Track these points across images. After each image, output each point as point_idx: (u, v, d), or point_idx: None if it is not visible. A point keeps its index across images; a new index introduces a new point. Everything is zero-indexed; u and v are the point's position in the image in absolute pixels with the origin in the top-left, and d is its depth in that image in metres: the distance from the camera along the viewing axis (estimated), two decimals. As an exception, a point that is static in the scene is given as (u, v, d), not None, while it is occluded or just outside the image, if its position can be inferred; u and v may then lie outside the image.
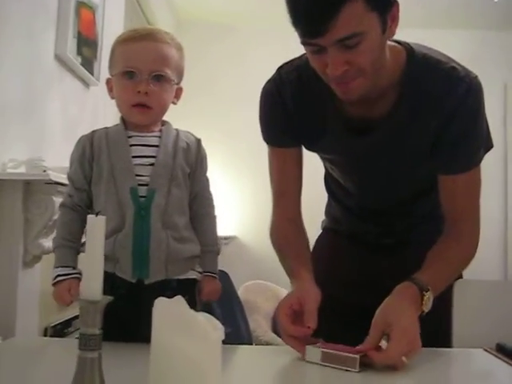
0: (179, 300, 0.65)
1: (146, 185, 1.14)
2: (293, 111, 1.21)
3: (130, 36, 1.18)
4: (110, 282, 1.05)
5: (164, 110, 1.21)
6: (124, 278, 1.12)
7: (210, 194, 1.26)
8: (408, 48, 1.14)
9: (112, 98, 1.22)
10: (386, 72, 1.10)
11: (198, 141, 1.25)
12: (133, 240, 1.12)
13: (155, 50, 1.16)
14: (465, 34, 4.61)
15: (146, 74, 1.15)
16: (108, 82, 1.23)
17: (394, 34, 1.07)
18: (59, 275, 1.12)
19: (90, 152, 1.17)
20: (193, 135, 1.26)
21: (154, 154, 1.17)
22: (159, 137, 1.19)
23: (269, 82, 1.25)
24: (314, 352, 1.00)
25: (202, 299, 1.20)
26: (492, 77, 4.00)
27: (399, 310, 1.02)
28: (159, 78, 1.16)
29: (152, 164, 1.16)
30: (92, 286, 0.74)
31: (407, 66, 1.13)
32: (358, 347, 0.99)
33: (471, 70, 1.15)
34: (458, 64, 1.14)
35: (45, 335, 1.98)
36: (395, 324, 0.99)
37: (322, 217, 1.54)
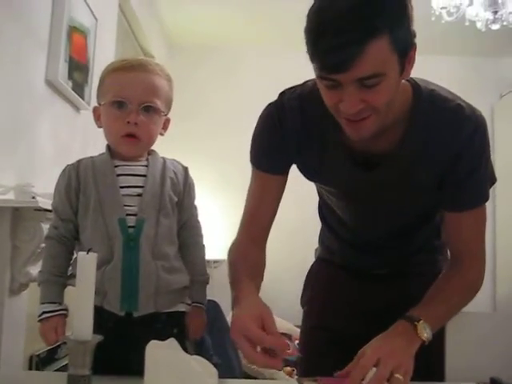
0: (172, 344, 0.63)
1: (134, 215, 1.13)
2: (292, 140, 1.20)
3: (121, 66, 1.17)
4: (98, 315, 1.04)
5: (152, 141, 1.20)
6: (112, 312, 1.10)
7: (198, 223, 1.25)
8: (413, 84, 1.14)
9: (99, 126, 1.21)
10: (394, 108, 1.09)
11: (185, 169, 1.25)
12: (121, 272, 1.10)
13: (146, 80, 1.16)
14: (453, 60, 4.70)
15: (135, 104, 1.14)
16: (95, 110, 1.21)
17: (408, 76, 1.07)
18: (45, 312, 1.10)
19: (77, 182, 1.16)
20: (180, 163, 1.25)
21: (141, 184, 1.16)
22: (146, 166, 1.18)
23: (270, 105, 1.23)
24: None
25: (190, 337, 1.18)
26: (479, 100, 4.06)
27: (383, 340, 1.03)
28: (149, 109, 1.16)
29: (140, 194, 1.15)
30: (82, 325, 0.73)
31: (413, 103, 1.12)
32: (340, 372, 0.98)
33: (460, 93, 1.16)
34: (463, 101, 1.14)
35: (30, 363, 1.94)
36: (370, 347, 1.00)
37: (316, 244, 1.53)
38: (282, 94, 1.23)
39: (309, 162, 1.23)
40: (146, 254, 1.12)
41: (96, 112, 1.21)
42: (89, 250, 0.76)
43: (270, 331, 0.96)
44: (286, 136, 1.19)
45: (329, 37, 0.93)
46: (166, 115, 1.21)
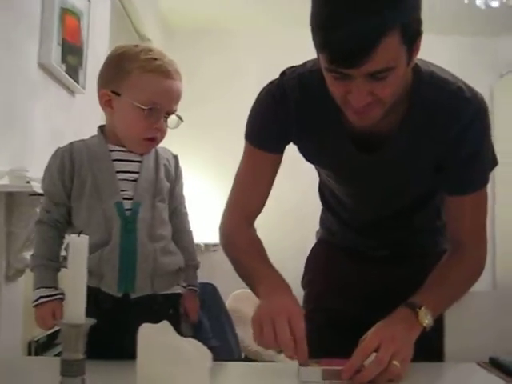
0: (165, 326, 0.62)
1: (130, 199, 1.14)
2: (291, 119, 1.18)
3: (157, 68, 1.14)
4: (94, 296, 1.04)
5: None
6: (109, 293, 1.11)
7: (186, 209, 1.27)
8: (414, 65, 1.10)
9: (109, 113, 1.18)
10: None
11: (176, 157, 1.26)
12: (119, 254, 1.11)
13: (177, 89, 1.17)
14: (451, 40, 4.65)
15: (164, 111, 1.15)
16: (104, 95, 1.16)
17: (413, 64, 1.05)
18: (42, 296, 1.09)
19: (71, 165, 1.14)
20: (170, 151, 1.26)
21: (136, 170, 1.16)
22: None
23: (272, 83, 1.22)
24: (312, 371, 0.98)
25: (186, 319, 1.20)
26: (478, 81, 4.04)
27: (384, 326, 1.03)
28: (169, 115, 1.17)
29: (135, 180, 1.15)
30: (74, 309, 0.72)
31: (414, 85, 1.11)
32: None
33: (459, 73, 1.15)
34: (465, 83, 1.13)
35: (29, 349, 1.94)
36: (371, 333, 1.01)
37: (317, 226, 1.52)
38: (282, 74, 1.21)
39: (308, 144, 1.22)
40: (143, 237, 1.13)
41: (104, 97, 1.16)
42: (80, 233, 0.74)
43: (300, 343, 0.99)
44: (286, 114, 1.18)
45: (341, 32, 0.91)
46: None
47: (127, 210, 1.13)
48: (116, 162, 1.15)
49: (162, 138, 1.18)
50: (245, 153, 1.26)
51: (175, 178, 1.23)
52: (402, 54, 0.97)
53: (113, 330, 1.07)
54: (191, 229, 1.27)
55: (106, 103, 1.17)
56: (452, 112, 1.09)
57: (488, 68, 4.68)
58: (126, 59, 1.15)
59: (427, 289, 1.11)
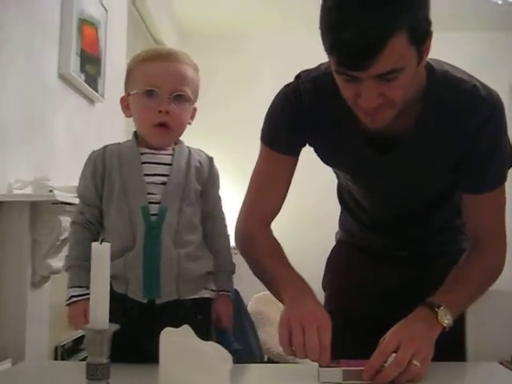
0: (186, 330, 0.63)
1: (157, 203, 1.13)
2: (307, 121, 1.19)
3: (150, 56, 1.18)
4: (122, 303, 1.07)
5: (182, 129, 1.20)
6: (135, 299, 1.11)
7: (222, 213, 1.24)
8: (427, 65, 1.11)
9: (128, 116, 1.21)
10: (408, 93, 1.07)
11: (210, 159, 1.25)
12: (143, 259, 1.11)
13: (176, 69, 1.16)
14: (471, 35, 4.59)
15: (166, 93, 1.14)
16: (123, 99, 1.21)
17: (424, 64, 1.05)
18: (73, 296, 1.11)
19: (102, 168, 1.16)
20: (205, 153, 1.25)
21: (166, 173, 1.16)
22: (172, 155, 1.18)
23: (287, 86, 1.22)
24: (333, 372, 0.98)
25: (216, 324, 1.19)
26: (498, 77, 3.99)
27: (404, 326, 1.03)
28: (179, 98, 1.15)
29: (164, 183, 1.15)
30: (98, 314, 0.74)
31: (428, 85, 1.11)
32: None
33: (476, 69, 1.14)
34: (479, 82, 1.12)
35: (55, 354, 1.97)
36: (390, 333, 1.01)
37: (336, 227, 1.52)
38: (297, 77, 1.22)
39: (323, 146, 1.23)
40: (167, 242, 1.12)
41: (124, 102, 1.21)
42: (102, 240, 0.76)
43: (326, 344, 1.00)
44: (301, 117, 1.19)
45: (347, 34, 0.92)
46: (193, 104, 1.21)
47: (153, 214, 1.12)
48: (145, 165, 1.16)
49: (176, 123, 1.17)
50: (260, 155, 1.27)
51: (208, 179, 1.21)
52: (411, 54, 0.97)
53: (139, 335, 1.07)
54: (227, 232, 1.24)
55: (125, 107, 1.21)
56: (468, 109, 1.09)
57: (508, 63, 4.61)
58: (130, 61, 1.21)
59: (446, 288, 1.11)
